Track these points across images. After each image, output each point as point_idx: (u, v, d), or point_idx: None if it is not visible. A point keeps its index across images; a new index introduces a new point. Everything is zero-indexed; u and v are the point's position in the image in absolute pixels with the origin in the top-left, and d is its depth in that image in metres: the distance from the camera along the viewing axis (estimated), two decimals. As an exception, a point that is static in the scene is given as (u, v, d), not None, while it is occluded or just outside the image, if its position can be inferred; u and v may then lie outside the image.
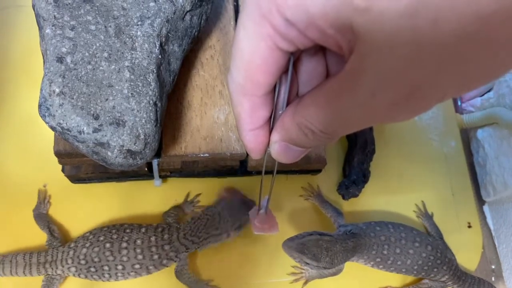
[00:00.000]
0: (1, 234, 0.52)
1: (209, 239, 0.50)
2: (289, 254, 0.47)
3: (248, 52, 0.20)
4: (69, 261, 0.47)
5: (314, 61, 0.23)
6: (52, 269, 0.48)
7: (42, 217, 0.51)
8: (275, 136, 0.23)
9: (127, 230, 0.49)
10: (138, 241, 0.48)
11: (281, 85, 0.23)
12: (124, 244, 0.47)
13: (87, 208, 0.53)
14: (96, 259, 0.47)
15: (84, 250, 0.47)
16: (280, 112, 0.24)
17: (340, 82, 0.19)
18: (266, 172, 0.31)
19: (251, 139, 0.24)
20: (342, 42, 0.18)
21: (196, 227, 0.50)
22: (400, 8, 0.15)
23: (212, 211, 0.51)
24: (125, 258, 0.47)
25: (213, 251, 0.53)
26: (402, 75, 0.16)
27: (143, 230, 0.49)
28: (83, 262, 0.47)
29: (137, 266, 0.47)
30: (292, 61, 0.22)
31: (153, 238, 0.48)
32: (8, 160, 0.55)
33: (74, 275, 0.48)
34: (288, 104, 0.24)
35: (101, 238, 0.48)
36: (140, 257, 0.47)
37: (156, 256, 0.48)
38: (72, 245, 0.48)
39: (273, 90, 0.23)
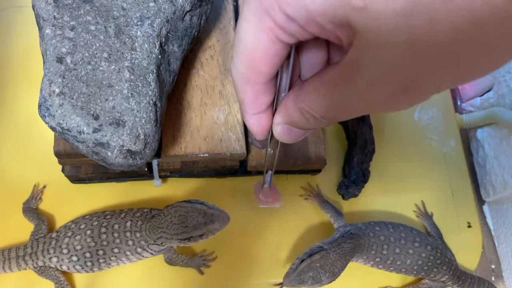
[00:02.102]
0: (0, 235, 0.52)
1: (161, 240, 0.47)
2: None
3: (251, 44, 0.21)
4: (51, 251, 0.47)
5: (316, 46, 0.23)
6: (33, 261, 0.47)
7: (31, 211, 0.52)
8: (278, 119, 0.25)
9: (108, 216, 0.49)
10: (116, 226, 0.47)
11: (283, 70, 0.24)
12: (103, 229, 0.47)
13: (87, 208, 0.53)
14: (78, 247, 0.47)
15: (66, 239, 0.47)
16: (282, 94, 0.24)
17: (339, 72, 0.20)
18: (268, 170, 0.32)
19: (255, 122, 0.25)
20: (342, 36, 0.19)
21: (157, 223, 0.46)
22: (397, 8, 0.15)
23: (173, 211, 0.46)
24: (104, 243, 0.47)
25: (211, 252, 0.53)
26: (398, 70, 0.17)
27: (122, 215, 0.49)
28: (65, 251, 0.47)
29: (116, 250, 0.47)
30: (294, 49, 0.23)
31: (128, 224, 0.48)
32: (7, 160, 0.55)
33: (55, 266, 0.47)
34: (290, 87, 0.24)
35: (82, 226, 0.48)
36: (117, 241, 0.47)
37: (130, 242, 0.47)
38: (54, 235, 0.48)
39: (275, 76, 0.24)
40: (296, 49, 0.23)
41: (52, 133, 0.42)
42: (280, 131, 0.25)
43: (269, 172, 0.36)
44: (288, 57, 0.23)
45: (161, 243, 0.47)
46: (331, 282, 0.47)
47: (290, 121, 0.24)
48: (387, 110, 0.20)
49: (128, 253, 0.47)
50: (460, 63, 0.16)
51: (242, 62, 0.22)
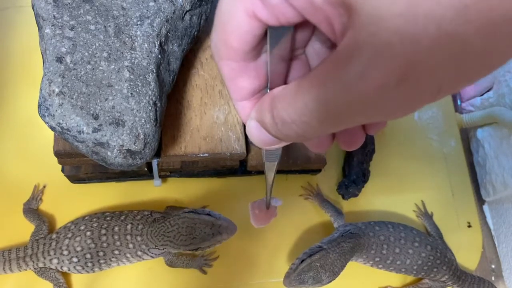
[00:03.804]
0: (1, 235, 0.52)
1: (166, 247, 0.47)
2: None
3: (225, 13, 0.19)
4: (52, 252, 0.47)
5: (325, 48, 0.22)
6: (33, 262, 0.47)
7: (32, 211, 0.52)
8: (252, 113, 0.22)
9: (107, 218, 0.49)
10: (116, 228, 0.47)
11: (273, 68, 0.22)
12: (103, 231, 0.47)
13: (87, 208, 0.53)
14: (78, 248, 0.47)
15: (67, 241, 0.47)
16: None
17: (327, 65, 0.17)
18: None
19: (239, 109, 0.23)
20: (333, 18, 0.16)
21: (162, 231, 0.47)
22: None
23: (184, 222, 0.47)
24: (105, 245, 0.47)
25: (213, 251, 0.53)
26: (396, 51, 0.14)
27: (122, 217, 0.49)
28: (65, 253, 0.47)
29: (116, 252, 0.47)
30: (269, 36, 0.20)
31: (129, 226, 0.48)
32: (7, 160, 0.55)
33: (56, 267, 0.48)
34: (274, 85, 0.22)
35: (82, 227, 0.48)
36: (118, 243, 0.47)
37: (131, 245, 0.47)
38: (54, 236, 0.48)
39: (256, 61, 0.21)
40: (304, 50, 0.22)
41: (52, 133, 0.42)
42: (251, 127, 0.22)
43: (268, 195, 0.34)
44: (297, 48, 0.21)
45: (164, 249, 0.47)
46: (331, 281, 0.47)
47: (260, 119, 0.21)
48: (375, 114, 0.17)
49: (128, 255, 0.47)
50: (466, 49, 0.14)
51: (216, 32, 0.20)
